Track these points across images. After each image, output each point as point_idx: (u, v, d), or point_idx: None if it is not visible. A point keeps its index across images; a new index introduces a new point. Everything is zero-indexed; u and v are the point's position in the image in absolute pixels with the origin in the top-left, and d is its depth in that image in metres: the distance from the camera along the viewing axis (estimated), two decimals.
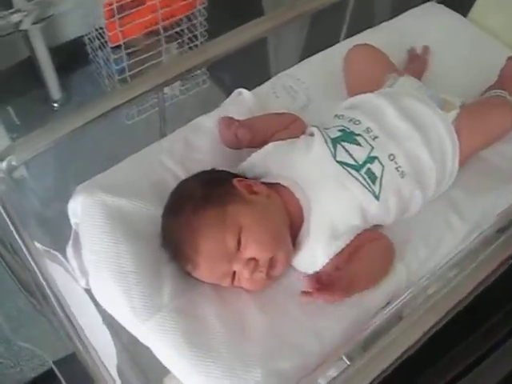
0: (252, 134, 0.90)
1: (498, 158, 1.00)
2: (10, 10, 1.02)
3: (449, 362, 0.90)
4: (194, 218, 0.78)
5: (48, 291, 0.69)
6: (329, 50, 1.19)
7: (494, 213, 0.91)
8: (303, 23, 1.58)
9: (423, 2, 1.32)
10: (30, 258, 0.70)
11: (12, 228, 0.71)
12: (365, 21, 1.28)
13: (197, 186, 0.82)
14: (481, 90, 1.09)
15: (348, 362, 0.67)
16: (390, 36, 1.18)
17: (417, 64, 1.17)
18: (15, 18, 1.00)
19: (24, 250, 0.70)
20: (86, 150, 1.65)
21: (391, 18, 1.27)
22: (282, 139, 0.91)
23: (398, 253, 0.87)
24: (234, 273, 0.79)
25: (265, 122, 0.96)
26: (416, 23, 1.23)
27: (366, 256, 0.83)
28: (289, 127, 0.95)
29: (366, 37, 1.19)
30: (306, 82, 1.10)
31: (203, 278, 0.81)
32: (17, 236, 0.70)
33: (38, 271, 0.69)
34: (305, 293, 0.77)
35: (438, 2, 1.32)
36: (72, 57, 1.82)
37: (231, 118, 0.93)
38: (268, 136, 0.92)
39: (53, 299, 0.69)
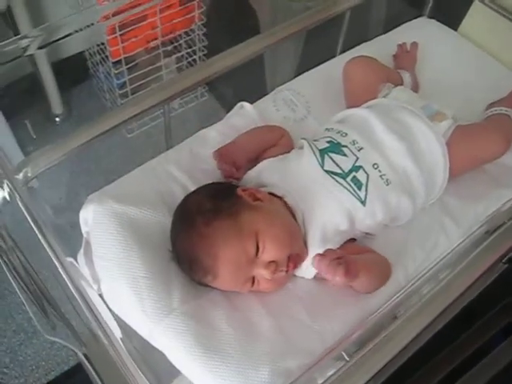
0: (237, 169, 0.93)
1: (489, 166, 1.02)
2: (18, 36, 1.02)
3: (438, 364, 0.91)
4: (209, 230, 0.79)
5: (76, 294, 0.71)
6: (327, 63, 1.22)
7: (485, 217, 0.94)
8: (299, 38, 1.61)
9: (415, 17, 1.36)
10: (57, 264, 0.72)
11: (40, 236, 0.73)
12: (359, 35, 1.31)
13: (203, 199, 0.83)
14: (469, 99, 1.12)
15: (347, 358, 0.69)
16: (384, 49, 1.21)
17: (406, 58, 1.21)
18: (23, 43, 1.01)
19: (51, 255, 0.72)
20: (89, 164, 1.68)
21: (385, 33, 1.31)
22: (274, 156, 0.94)
23: (396, 257, 0.89)
24: (253, 277, 0.81)
25: (255, 141, 0.98)
26: (408, 37, 1.26)
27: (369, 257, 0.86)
28: (278, 143, 0.98)
29: (362, 50, 1.22)
30: (305, 95, 1.13)
31: (224, 287, 0.83)
32: (45, 244, 0.72)
33: (64, 275, 0.72)
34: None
35: (429, 17, 1.36)
36: (73, 71, 1.84)
37: (221, 157, 0.94)
38: (260, 154, 0.97)
39: (80, 301, 0.71)
